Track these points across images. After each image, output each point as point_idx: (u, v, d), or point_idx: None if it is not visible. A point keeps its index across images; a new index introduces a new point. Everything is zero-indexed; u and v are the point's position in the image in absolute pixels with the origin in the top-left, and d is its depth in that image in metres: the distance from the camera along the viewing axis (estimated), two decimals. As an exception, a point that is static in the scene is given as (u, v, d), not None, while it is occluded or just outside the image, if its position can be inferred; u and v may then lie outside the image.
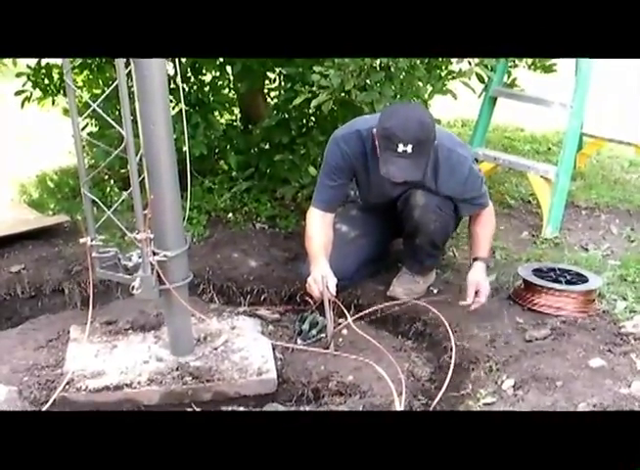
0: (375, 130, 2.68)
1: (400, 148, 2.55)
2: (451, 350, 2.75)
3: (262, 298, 3.26)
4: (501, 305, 3.02)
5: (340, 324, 2.87)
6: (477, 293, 2.85)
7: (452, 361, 2.64)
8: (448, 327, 2.81)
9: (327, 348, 2.76)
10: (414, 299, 3.06)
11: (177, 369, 2.57)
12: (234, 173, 4.05)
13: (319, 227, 2.93)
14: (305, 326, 2.90)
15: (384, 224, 3.17)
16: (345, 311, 2.89)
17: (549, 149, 5.35)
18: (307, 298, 2.98)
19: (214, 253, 3.44)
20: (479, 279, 2.88)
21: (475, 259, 2.94)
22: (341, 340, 2.86)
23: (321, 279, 2.77)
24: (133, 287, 2.37)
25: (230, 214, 3.84)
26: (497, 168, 4.45)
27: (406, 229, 3.08)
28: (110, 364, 2.61)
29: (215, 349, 2.71)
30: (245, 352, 2.70)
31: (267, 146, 4.05)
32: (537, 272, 3.08)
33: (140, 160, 2.26)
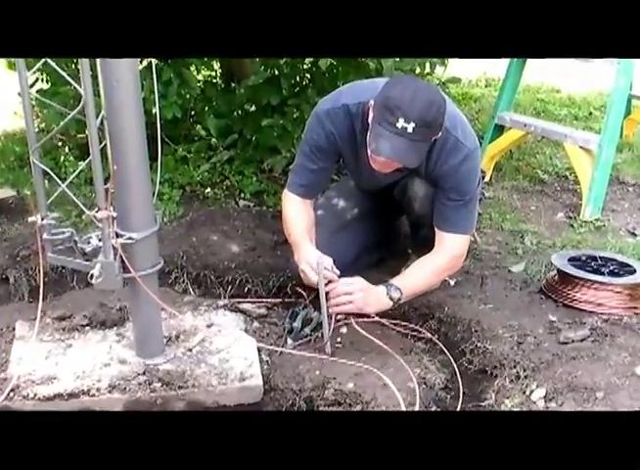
0: (371, 102, 2.61)
1: (400, 123, 2.47)
2: (471, 352, 2.77)
3: (246, 289, 3.26)
4: (531, 301, 3.03)
5: (338, 321, 2.87)
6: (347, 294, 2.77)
7: (472, 366, 2.65)
8: (468, 326, 2.82)
9: (323, 350, 2.76)
10: (426, 291, 3.05)
11: (144, 374, 2.56)
12: (213, 141, 4.05)
13: (299, 210, 2.94)
14: (297, 323, 2.89)
15: (388, 201, 3.17)
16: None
17: (590, 114, 5.36)
18: (300, 289, 2.98)
19: (189, 235, 3.45)
20: (362, 286, 2.78)
21: (387, 283, 2.84)
22: (339, 340, 2.87)
23: (316, 264, 2.74)
24: (92, 275, 2.36)
25: (208, 190, 3.85)
26: (527, 137, 4.45)
27: (409, 220, 3.11)
28: (63, 367, 2.60)
29: (190, 349, 2.71)
30: (225, 354, 2.70)
31: (253, 108, 4.04)
32: (575, 261, 3.08)
33: (101, 123, 2.24)
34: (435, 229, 2.86)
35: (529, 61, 4.34)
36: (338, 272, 2.76)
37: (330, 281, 2.74)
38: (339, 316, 2.89)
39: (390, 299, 2.79)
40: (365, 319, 2.95)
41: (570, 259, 3.09)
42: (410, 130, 2.46)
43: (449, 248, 2.86)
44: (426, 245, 2.93)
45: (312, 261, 2.75)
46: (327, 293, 2.73)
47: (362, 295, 2.75)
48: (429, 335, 2.96)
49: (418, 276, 2.89)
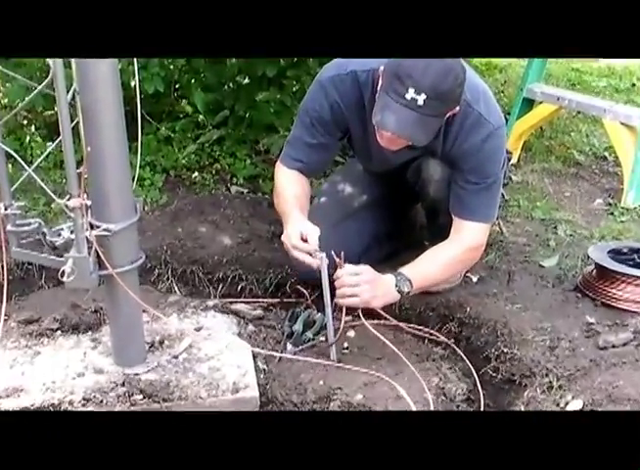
0: (382, 68, 2.61)
1: (410, 94, 2.47)
2: (496, 359, 2.78)
3: (239, 287, 3.28)
4: (565, 300, 3.04)
5: (346, 323, 2.87)
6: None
7: (497, 375, 2.65)
8: (493, 328, 2.83)
9: (327, 356, 2.77)
10: (445, 289, 3.07)
11: (123, 384, 2.56)
12: (201, 118, 4.05)
13: (291, 179, 2.95)
14: (298, 326, 2.90)
15: (400, 186, 3.17)
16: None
17: (633, 85, 5.35)
18: (301, 287, 2.99)
19: (174, 226, 3.46)
20: (369, 277, 2.74)
21: (396, 272, 2.83)
22: (346, 345, 2.88)
23: (316, 251, 2.68)
24: (63, 272, 2.36)
25: (195, 174, 3.86)
26: (561, 112, 4.44)
27: (424, 206, 3.12)
28: (30, 378, 2.59)
29: (175, 357, 2.71)
30: (215, 362, 2.70)
31: (246, 80, 4.04)
32: (615, 254, 3.08)
33: (73, 98, 2.24)
34: (452, 215, 2.87)
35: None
36: (315, 244, 2.69)
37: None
38: (346, 317, 2.87)
39: (399, 291, 2.79)
40: (376, 321, 2.96)
41: (609, 252, 3.09)
42: (420, 103, 2.46)
43: (466, 237, 2.87)
44: (443, 235, 2.94)
45: (294, 230, 2.71)
46: (331, 289, 2.71)
47: (369, 287, 2.73)
48: (444, 339, 2.98)
49: (430, 267, 2.88)
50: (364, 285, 2.71)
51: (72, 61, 2.23)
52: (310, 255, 2.67)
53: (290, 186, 2.92)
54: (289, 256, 2.79)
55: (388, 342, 2.80)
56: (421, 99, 2.45)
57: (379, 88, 2.59)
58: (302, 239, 2.69)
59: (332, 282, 2.71)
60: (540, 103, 4.38)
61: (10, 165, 2.42)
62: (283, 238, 2.77)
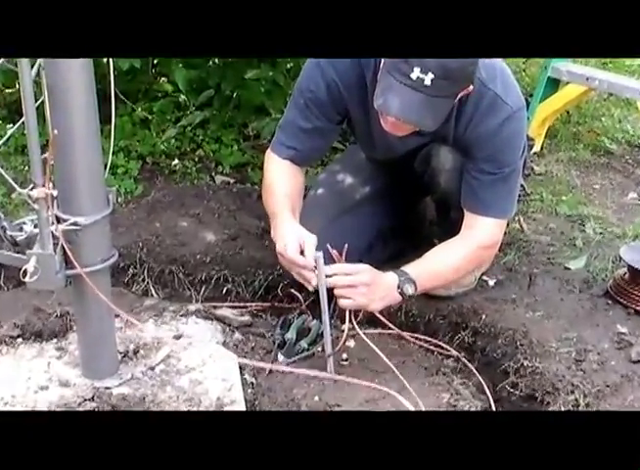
0: None
1: (415, 73, 2.46)
2: (515, 373, 2.79)
3: (225, 290, 3.29)
4: (594, 307, 3.05)
5: (344, 332, 2.85)
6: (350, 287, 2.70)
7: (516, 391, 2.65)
8: (512, 338, 2.84)
9: (324, 368, 2.77)
10: (458, 294, 3.09)
11: (92, 399, 2.56)
12: (182, 98, 4.04)
13: (283, 172, 2.95)
14: (291, 334, 2.90)
15: (407, 176, 3.18)
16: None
17: (672, 64, 5.35)
18: (294, 290, 3.01)
19: (151, 220, 3.47)
20: (368, 278, 2.72)
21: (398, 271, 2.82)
22: (345, 356, 2.88)
23: (296, 243, 2.68)
24: (25, 271, 2.35)
25: (175, 161, 3.87)
26: (590, 94, 4.44)
27: (434, 199, 3.15)
28: (-13, 391, 2.62)
29: (152, 368, 2.71)
30: (197, 374, 2.70)
31: (233, 55, 4.03)
32: (651, 256, 3.08)
33: (37, 75, 2.23)
34: (464, 210, 2.88)
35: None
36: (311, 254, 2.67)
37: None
38: (346, 325, 2.82)
39: (402, 294, 2.78)
40: (378, 331, 2.98)
41: (644, 253, 3.10)
42: (428, 83, 2.46)
43: (479, 234, 2.87)
44: (456, 233, 2.94)
45: (290, 240, 2.69)
46: (329, 292, 2.71)
47: (365, 289, 2.71)
48: (455, 353, 2.99)
49: (437, 266, 2.88)
50: (360, 287, 2.70)
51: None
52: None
53: (281, 181, 2.92)
54: (285, 270, 2.81)
55: (382, 355, 2.78)
56: (428, 79, 2.45)
57: (381, 67, 2.59)
58: (300, 250, 2.68)
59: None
60: (567, 84, 4.38)
61: (-36, 151, 2.41)
62: (278, 250, 2.74)
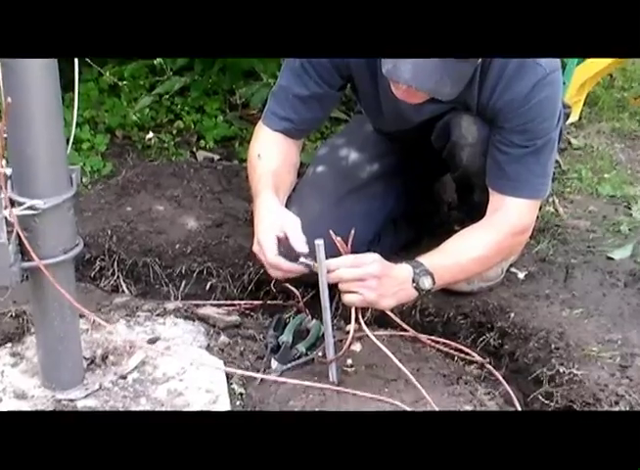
0: None
1: None
2: (550, 381, 2.77)
3: (209, 285, 3.29)
4: (640, 304, 3.05)
5: (349, 333, 2.83)
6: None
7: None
8: (545, 341, 2.84)
9: (325, 376, 2.75)
10: (482, 289, 3.09)
11: (54, 414, 2.57)
12: (157, 61, 4.02)
13: (273, 146, 2.95)
14: (286, 337, 2.88)
15: (423, 151, 3.18)
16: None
17: None
18: (290, 285, 3.02)
19: (122, 204, 3.46)
20: (377, 270, 2.66)
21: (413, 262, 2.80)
22: (350, 362, 2.87)
23: (273, 239, 2.64)
24: (-27, 265, 2.36)
25: (150, 135, 3.88)
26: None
27: (454, 178, 3.13)
28: None
29: (123, 377, 2.71)
30: (176, 384, 2.70)
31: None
32: None
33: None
34: (490, 190, 2.87)
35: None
36: (303, 250, 2.64)
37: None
38: (351, 325, 2.77)
39: (418, 289, 2.74)
40: (388, 332, 2.97)
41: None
42: None
43: (507, 218, 2.86)
44: (479, 218, 2.93)
45: (265, 237, 2.66)
46: (332, 287, 2.68)
47: (375, 283, 2.67)
48: (479, 359, 2.99)
49: (458, 257, 2.85)
50: (369, 280, 2.65)
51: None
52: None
53: (267, 156, 2.92)
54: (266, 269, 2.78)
55: (396, 360, 2.74)
56: None
57: None
58: (282, 240, 2.65)
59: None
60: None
61: None
62: (254, 249, 2.73)
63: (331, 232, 2.56)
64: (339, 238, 2.58)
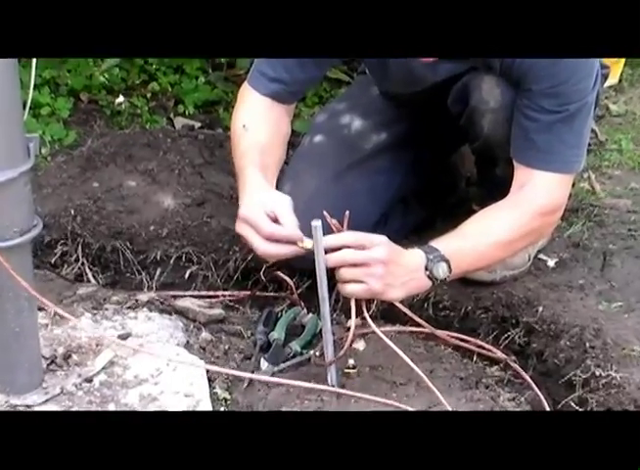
0: None
1: None
2: (584, 385, 2.76)
3: (188, 274, 3.28)
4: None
5: (350, 329, 2.81)
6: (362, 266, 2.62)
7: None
8: (579, 338, 2.82)
9: (323, 379, 2.74)
10: (505, 278, 3.08)
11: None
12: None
13: (261, 114, 2.95)
14: (278, 333, 2.89)
15: (437, 118, 3.19)
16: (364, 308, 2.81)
17: None
18: (282, 274, 3.00)
19: (87, 178, 3.45)
20: (384, 254, 2.62)
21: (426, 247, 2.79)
22: (352, 363, 2.86)
23: (260, 212, 2.61)
24: None
25: (120, 99, 3.89)
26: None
27: (473, 150, 3.11)
28: None
29: (89, 379, 2.70)
30: (151, 387, 2.69)
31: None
32: None
33: None
34: (515, 163, 2.85)
35: None
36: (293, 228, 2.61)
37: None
38: (352, 320, 2.73)
39: (431, 278, 2.71)
40: (396, 328, 2.96)
41: None
42: None
43: (535, 196, 2.84)
44: (503, 195, 2.91)
45: (258, 206, 2.63)
46: (331, 276, 2.66)
47: (382, 269, 2.64)
48: (503, 356, 2.97)
49: (477, 241, 2.83)
50: (375, 266, 2.62)
51: None
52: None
53: (254, 126, 2.91)
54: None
55: (408, 360, 2.70)
56: None
57: None
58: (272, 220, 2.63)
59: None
60: None
61: None
62: (239, 229, 2.69)
63: (325, 213, 2.52)
64: (334, 220, 2.54)
